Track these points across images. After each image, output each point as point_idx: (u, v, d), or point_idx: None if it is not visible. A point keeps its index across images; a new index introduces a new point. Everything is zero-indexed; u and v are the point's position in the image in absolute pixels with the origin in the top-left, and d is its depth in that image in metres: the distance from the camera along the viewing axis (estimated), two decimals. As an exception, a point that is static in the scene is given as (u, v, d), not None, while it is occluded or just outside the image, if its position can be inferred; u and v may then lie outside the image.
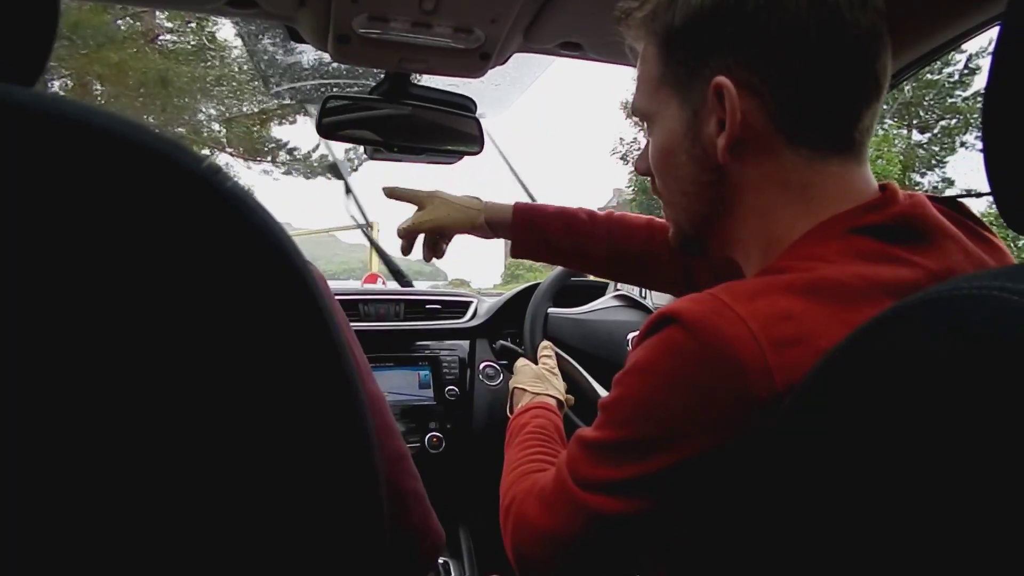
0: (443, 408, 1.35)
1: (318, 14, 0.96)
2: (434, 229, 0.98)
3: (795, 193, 0.56)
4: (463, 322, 1.46)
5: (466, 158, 1.24)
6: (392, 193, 1.02)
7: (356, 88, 1.23)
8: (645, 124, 0.66)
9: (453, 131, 1.23)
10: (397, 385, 1.35)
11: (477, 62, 1.07)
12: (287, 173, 12.94)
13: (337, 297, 1.42)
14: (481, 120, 1.22)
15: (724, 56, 0.54)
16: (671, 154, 0.61)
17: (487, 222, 0.98)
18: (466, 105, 1.23)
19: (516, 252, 0.99)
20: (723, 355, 0.45)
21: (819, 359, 0.40)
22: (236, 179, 0.27)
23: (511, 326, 1.46)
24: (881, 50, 0.54)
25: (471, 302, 1.50)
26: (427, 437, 1.31)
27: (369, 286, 1.56)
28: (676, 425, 0.48)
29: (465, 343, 1.44)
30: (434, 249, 1.01)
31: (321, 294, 0.29)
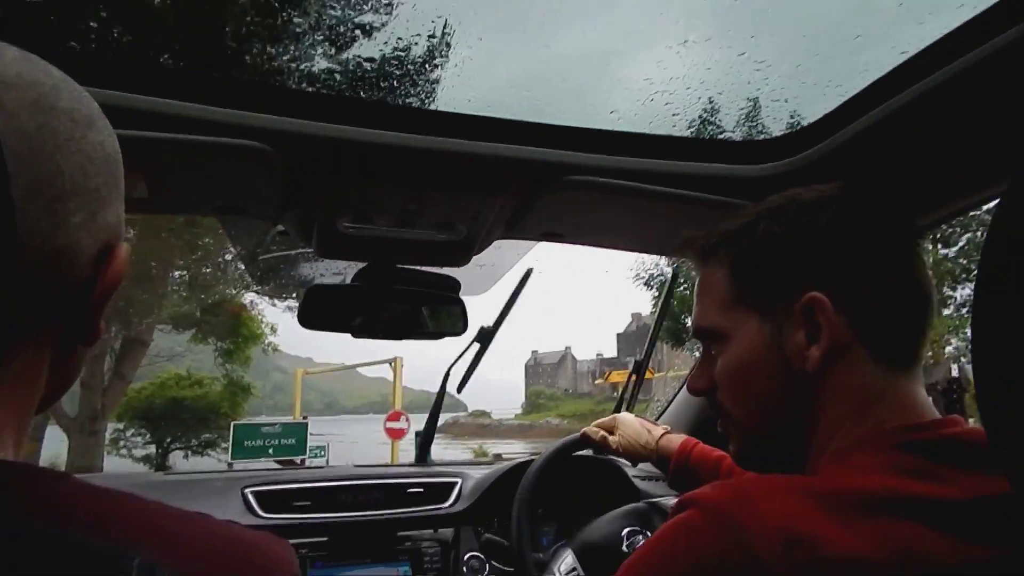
0: None
1: (304, 216, 0.99)
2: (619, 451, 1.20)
3: (868, 404, 0.57)
4: (446, 507, 1.36)
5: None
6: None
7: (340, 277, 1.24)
8: (709, 342, 0.66)
9: (437, 314, 1.23)
10: (374, 585, 1.23)
11: (460, 253, 1.09)
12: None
13: (317, 485, 1.34)
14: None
15: (811, 275, 0.58)
16: (751, 368, 0.61)
17: (659, 449, 1.15)
18: (451, 286, 1.23)
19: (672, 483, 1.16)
20: (740, 541, 0.46)
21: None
22: None
23: (498, 510, 1.36)
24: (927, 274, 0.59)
25: (455, 483, 1.41)
26: None
27: (350, 471, 1.48)
28: None
29: (449, 531, 1.34)
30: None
31: None
